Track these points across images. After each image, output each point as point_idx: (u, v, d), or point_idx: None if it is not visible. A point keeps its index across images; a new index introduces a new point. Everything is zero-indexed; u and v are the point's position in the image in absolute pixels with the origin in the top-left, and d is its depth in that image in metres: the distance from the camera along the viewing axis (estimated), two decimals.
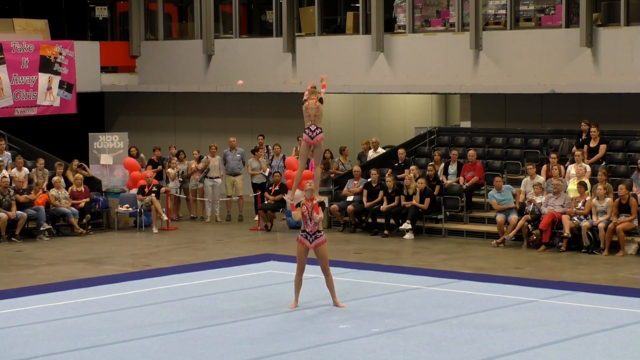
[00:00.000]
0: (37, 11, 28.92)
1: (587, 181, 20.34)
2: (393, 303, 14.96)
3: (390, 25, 25.47)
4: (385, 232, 21.85)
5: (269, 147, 25.02)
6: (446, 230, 21.86)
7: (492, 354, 12.02)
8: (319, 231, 14.40)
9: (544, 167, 21.50)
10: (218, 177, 24.86)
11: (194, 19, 28.79)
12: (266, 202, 23.31)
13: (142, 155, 25.31)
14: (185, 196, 25.27)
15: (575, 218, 19.71)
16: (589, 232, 19.47)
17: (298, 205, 14.69)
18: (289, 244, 20.90)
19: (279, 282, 16.60)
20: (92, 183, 23.92)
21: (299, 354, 12.13)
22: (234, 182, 24.68)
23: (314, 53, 26.51)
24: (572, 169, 20.80)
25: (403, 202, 21.82)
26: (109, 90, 29.55)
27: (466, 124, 25.98)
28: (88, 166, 24.63)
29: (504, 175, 22.36)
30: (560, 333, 13.01)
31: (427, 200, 21.54)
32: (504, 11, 23.87)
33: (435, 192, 21.90)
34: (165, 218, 23.31)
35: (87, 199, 23.00)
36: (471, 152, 22.49)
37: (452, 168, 22.65)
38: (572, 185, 20.36)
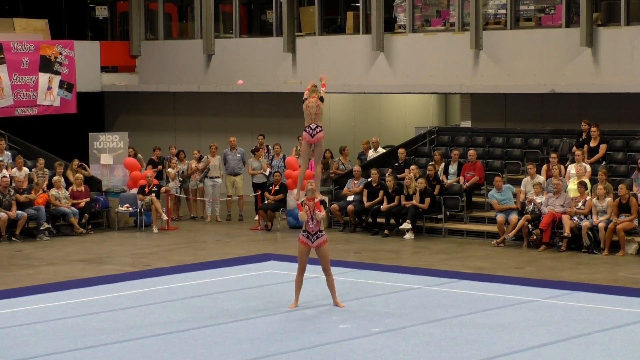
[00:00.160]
0: (37, 11, 28.93)
1: (587, 181, 20.34)
2: (393, 303, 14.95)
3: (390, 25, 25.48)
4: (386, 231, 21.85)
5: (269, 146, 25.01)
6: (446, 230, 21.86)
7: (492, 354, 12.02)
8: (320, 231, 14.41)
9: (544, 166, 21.50)
10: (218, 177, 24.86)
11: (194, 18, 28.79)
12: (266, 201, 23.31)
13: (139, 155, 25.29)
14: (185, 196, 25.27)
15: (575, 218, 19.71)
16: (589, 232, 19.47)
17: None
18: (289, 243, 20.91)
19: (279, 281, 16.60)
20: (92, 183, 23.92)
21: (299, 353, 12.13)
22: (234, 182, 24.68)
23: (314, 53, 26.52)
24: (572, 168, 20.80)
25: (403, 202, 21.82)
26: (109, 90, 29.56)
27: (466, 124, 25.99)
28: (88, 166, 24.63)
29: (504, 175, 22.36)
30: (561, 333, 13.01)
31: (427, 200, 21.54)
32: (504, 11, 23.87)
33: (436, 192, 21.90)
34: (166, 218, 23.31)
35: (87, 199, 23.00)
36: (471, 152, 22.49)
37: (453, 168, 22.65)
38: (572, 185, 20.36)
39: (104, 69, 29.32)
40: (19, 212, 21.73)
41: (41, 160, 23.49)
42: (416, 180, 21.76)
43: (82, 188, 23.07)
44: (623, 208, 19.40)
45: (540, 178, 21.04)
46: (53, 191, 22.57)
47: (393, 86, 25.45)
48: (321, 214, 14.39)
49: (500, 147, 23.57)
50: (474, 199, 22.36)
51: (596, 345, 12.39)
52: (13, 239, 21.71)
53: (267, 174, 24.23)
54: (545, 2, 23.55)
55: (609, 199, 19.56)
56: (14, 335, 13.17)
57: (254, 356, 12.03)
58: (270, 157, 24.78)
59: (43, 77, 26.07)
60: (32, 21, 27.68)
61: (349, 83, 25.77)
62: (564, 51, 22.93)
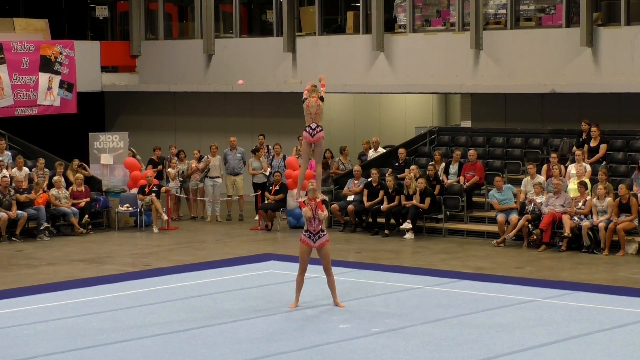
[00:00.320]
0: (37, 11, 28.94)
1: (587, 181, 20.34)
2: (393, 303, 14.95)
3: (390, 25, 25.47)
4: (386, 231, 21.85)
5: (269, 146, 25.01)
6: (446, 230, 21.85)
7: (492, 354, 12.02)
8: (322, 230, 14.41)
9: (545, 166, 21.50)
10: (218, 177, 24.86)
11: (194, 18, 28.79)
12: (266, 201, 23.31)
13: (138, 156, 25.27)
14: (185, 196, 25.27)
15: (575, 218, 19.71)
16: (590, 232, 19.47)
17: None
18: (289, 243, 20.91)
19: (280, 281, 16.60)
20: (93, 183, 23.92)
21: (299, 353, 12.13)
22: (235, 182, 24.68)
23: (314, 53, 26.52)
24: (572, 168, 20.80)
25: (403, 202, 21.82)
26: (109, 90, 29.56)
27: (466, 124, 25.98)
28: (88, 166, 24.63)
29: (504, 175, 22.36)
30: (561, 333, 13.01)
31: (428, 200, 21.54)
32: (504, 11, 23.87)
33: (436, 192, 21.90)
34: (166, 218, 23.31)
35: (88, 199, 23.00)
36: (471, 152, 22.49)
37: (454, 168, 22.64)
38: (572, 185, 20.36)
39: (104, 68, 29.33)
40: (19, 212, 21.73)
41: (41, 160, 23.49)
42: (416, 180, 21.76)
43: (82, 188, 23.07)
44: (623, 208, 19.40)
45: (541, 178, 21.04)
46: (53, 191, 22.57)
47: (393, 86, 25.45)
48: (323, 213, 14.41)
49: (500, 147, 23.57)
50: (474, 199, 22.36)
51: (596, 345, 12.39)
52: (13, 238, 21.71)
53: (267, 174, 24.23)
54: (545, 2, 23.55)
55: (609, 199, 19.56)
56: (14, 335, 13.17)
57: (254, 356, 12.03)
58: (271, 157, 24.78)
59: (43, 77, 26.07)
60: (32, 21, 27.69)
61: (349, 83, 25.77)
62: (564, 51, 22.92)
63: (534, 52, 23.35)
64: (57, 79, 26.31)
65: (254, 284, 16.55)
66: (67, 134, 28.56)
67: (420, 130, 25.79)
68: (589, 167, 20.89)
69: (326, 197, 21.75)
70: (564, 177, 20.82)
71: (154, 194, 23.20)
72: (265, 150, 24.88)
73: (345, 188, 23.11)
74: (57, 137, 28.52)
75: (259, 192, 24.08)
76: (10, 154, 23.78)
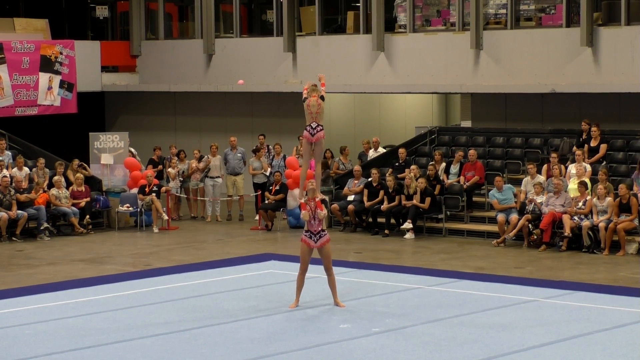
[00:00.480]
0: (37, 11, 28.94)
1: (587, 181, 20.34)
2: (394, 303, 14.95)
3: (390, 25, 25.47)
4: (386, 231, 21.85)
5: (270, 146, 25.01)
6: (447, 229, 21.85)
7: (492, 354, 12.02)
8: (322, 230, 14.41)
9: (545, 166, 21.50)
10: (219, 177, 24.86)
11: (195, 18, 28.79)
12: (267, 201, 23.31)
13: (137, 157, 25.26)
14: (185, 196, 25.27)
15: (575, 217, 19.70)
16: (590, 232, 19.47)
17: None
18: (289, 243, 20.91)
19: (280, 281, 16.60)
20: (93, 183, 23.92)
21: (299, 353, 12.13)
22: (235, 182, 24.68)
23: (314, 53, 26.52)
24: (572, 168, 20.80)
25: (404, 202, 21.82)
26: (109, 90, 29.57)
27: (467, 124, 25.98)
28: (89, 166, 24.63)
29: (504, 175, 22.36)
30: (561, 332, 13.01)
31: (428, 200, 21.54)
32: (504, 11, 23.87)
33: (436, 192, 21.90)
34: (166, 217, 23.31)
35: (88, 199, 23.00)
36: (471, 152, 22.48)
37: (455, 168, 22.63)
38: (572, 185, 20.36)
39: (105, 68, 29.33)
40: (20, 211, 21.73)
41: (41, 160, 23.49)
42: (416, 180, 21.76)
43: (83, 188, 23.07)
44: (623, 208, 19.40)
45: (541, 178, 21.04)
46: (53, 191, 22.57)
47: (393, 86, 25.45)
48: (323, 212, 14.42)
49: (500, 147, 23.57)
50: (474, 198, 22.36)
51: (596, 345, 12.39)
52: (13, 238, 21.71)
53: (267, 174, 24.23)
54: (545, 2, 23.54)
55: (609, 199, 19.56)
56: (14, 335, 13.17)
57: (254, 356, 12.03)
58: (271, 157, 24.77)
59: (43, 77, 26.07)
60: (32, 21, 27.69)
61: (349, 83, 25.77)
62: (564, 51, 22.92)
63: (534, 52, 23.35)
64: (57, 79, 26.31)
65: (254, 283, 16.55)
66: (68, 134, 28.56)
67: (421, 130, 25.78)
68: (589, 167, 20.88)
69: (326, 197, 21.84)
70: (564, 177, 20.82)
71: (154, 194, 23.20)
72: (266, 150, 24.88)
73: (346, 188, 23.11)
74: (58, 137, 28.52)
75: (259, 192, 24.08)
76: (10, 153, 23.79)
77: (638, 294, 15.39)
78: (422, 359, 11.87)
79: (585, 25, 22.22)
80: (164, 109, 29.93)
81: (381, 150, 24.76)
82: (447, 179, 22.55)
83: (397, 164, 23.36)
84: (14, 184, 22.15)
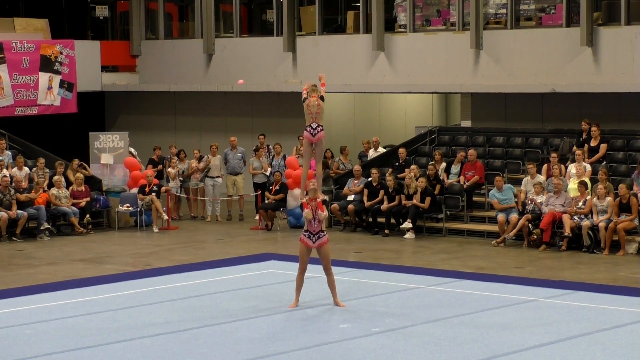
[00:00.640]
0: (37, 10, 28.94)
1: (587, 180, 20.34)
2: (394, 302, 14.95)
3: (390, 25, 25.47)
4: (386, 231, 21.85)
5: (270, 146, 25.00)
6: (447, 229, 21.85)
7: (492, 354, 12.02)
8: (322, 230, 14.41)
9: (545, 166, 21.50)
10: (219, 177, 24.86)
11: (195, 18, 28.79)
12: (267, 201, 23.31)
13: (138, 158, 25.26)
14: (185, 195, 25.27)
15: (575, 217, 19.70)
16: (590, 232, 19.47)
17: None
18: (289, 243, 20.91)
19: (280, 281, 16.60)
20: (93, 182, 23.92)
21: (299, 353, 12.13)
22: (235, 182, 24.68)
23: (314, 52, 26.51)
24: (572, 168, 20.80)
25: (404, 202, 21.82)
26: (109, 90, 29.57)
27: (467, 124, 25.98)
28: (88, 165, 24.63)
29: (504, 175, 22.35)
30: (561, 332, 13.01)
31: (428, 200, 21.54)
32: (504, 10, 23.87)
33: (436, 192, 21.90)
34: (166, 217, 23.31)
35: (88, 199, 23.00)
36: (471, 152, 22.48)
37: (456, 168, 22.62)
38: (572, 185, 20.36)
39: (105, 68, 29.33)
40: (20, 211, 21.73)
41: (41, 160, 23.49)
42: (417, 179, 21.76)
43: (83, 188, 23.07)
44: (623, 208, 19.40)
45: (541, 178, 21.04)
46: (53, 190, 22.57)
47: (393, 86, 25.45)
48: (324, 213, 14.42)
49: (500, 146, 23.56)
50: (474, 198, 22.36)
51: (596, 345, 12.39)
52: (13, 238, 21.71)
53: (267, 173, 24.23)
54: (545, 2, 23.54)
55: (609, 199, 19.56)
56: (14, 335, 13.17)
57: (254, 356, 12.03)
58: (271, 156, 24.77)
59: (43, 77, 26.08)
60: (32, 21, 27.69)
61: (349, 83, 25.77)
62: (564, 51, 22.92)
63: (534, 52, 23.34)
64: (57, 79, 26.32)
65: (254, 283, 16.55)
66: (68, 134, 28.56)
67: (421, 130, 25.78)
68: (589, 167, 20.88)
69: (326, 197, 21.83)
70: (564, 176, 20.82)
71: (154, 194, 23.20)
72: (266, 150, 24.88)
73: (346, 188, 23.11)
74: (58, 136, 28.52)
75: (259, 192, 24.08)
76: (10, 153, 23.79)
77: (638, 294, 15.39)
78: (422, 358, 11.87)
79: (585, 25, 22.22)
80: (164, 109, 29.93)
81: (381, 150, 24.76)
82: (448, 178, 22.55)
83: (397, 163, 23.36)
84: (14, 184, 22.15)
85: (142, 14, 29.59)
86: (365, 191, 22.49)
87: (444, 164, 22.87)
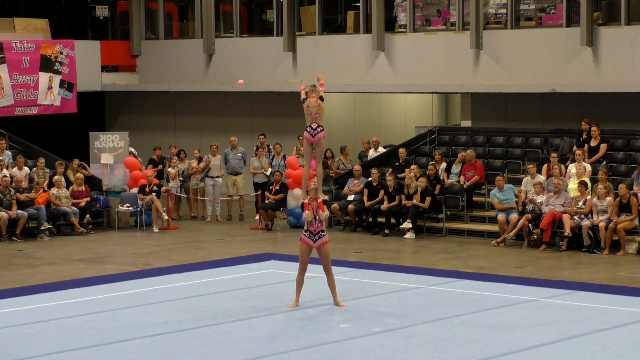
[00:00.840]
0: (37, 10, 28.94)
1: (587, 180, 20.34)
2: (394, 302, 14.95)
3: (390, 25, 25.47)
4: (386, 231, 21.85)
5: (270, 146, 25.00)
6: (447, 229, 21.85)
7: (492, 353, 12.02)
8: (322, 230, 14.41)
9: (545, 166, 21.50)
10: (219, 177, 24.85)
11: (195, 18, 28.79)
12: (267, 201, 23.31)
13: (139, 158, 25.25)
14: (185, 195, 25.27)
15: (575, 217, 19.70)
16: (590, 232, 19.47)
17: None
18: (289, 243, 20.91)
19: (280, 281, 16.60)
20: (93, 182, 23.92)
21: (299, 353, 12.13)
22: (235, 182, 24.68)
23: (314, 52, 26.51)
24: (572, 168, 20.80)
25: (404, 202, 21.82)
26: (109, 90, 29.57)
27: (467, 123, 25.98)
28: (89, 165, 24.63)
29: (504, 175, 22.35)
30: (561, 332, 13.01)
31: (428, 200, 21.54)
32: (504, 10, 23.87)
33: (436, 192, 21.90)
34: (166, 217, 23.31)
35: (88, 199, 23.00)
36: (469, 152, 22.46)
37: (457, 168, 22.61)
38: (572, 185, 20.36)
39: (105, 68, 29.33)
40: (20, 211, 21.73)
41: (42, 160, 23.48)
42: (417, 179, 21.76)
43: (83, 188, 23.07)
44: (623, 207, 19.40)
45: (541, 177, 21.04)
46: (54, 190, 22.57)
47: (393, 86, 25.45)
48: (324, 213, 14.42)
49: (500, 146, 23.56)
50: (474, 198, 22.36)
51: (597, 345, 12.39)
52: (14, 238, 21.71)
53: (267, 173, 24.23)
54: (545, 2, 23.54)
55: (609, 199, 19.56)
56: (14, 335, 13.17)
57: (254, 356, 12.03)
58: (271, 156, 24.77)
59: (43, 77, 26.08)
60: (32, 21, 27.69)
61: (349, 82, 25.76)
62: (564, 51, 22.92)
63: (535, 52, 23.34)
64: (57, 79, 26.32)
65: (254, 283, 16.55)
66: (68, 134, 28.56)
67: (421, 129, 25.78)
68: (589, 167, 20.88)
69: (327, 197, 21.82)
70: (564, 176, 20.82)
71: (154, 194, 23.20)
72: (266, 150, 24.87)
73: (346, 187, 23.11)
74: (58, 136, 28.51)
75: (260, 192, 24.07)
76: (10, 153, 23.79)
77: (638, 294, 15.39)
78: (422, 358, 11.87)
79: (586, 25, 22.21)
80: (164, 109, 29.93)
81: (381, 150, 24.76)
82: (448, 178, 22.55)
83: (397, 163, 23.36)
84: (14, 184, 22.15)
85: (142, 13, 29.59)
86: (366, 191, 22.49)
87: (444, 164, 22.87)
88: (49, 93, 26.23)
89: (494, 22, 24.11)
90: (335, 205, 22.71)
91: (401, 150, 23.56)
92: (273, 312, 14.34)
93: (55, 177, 22.88)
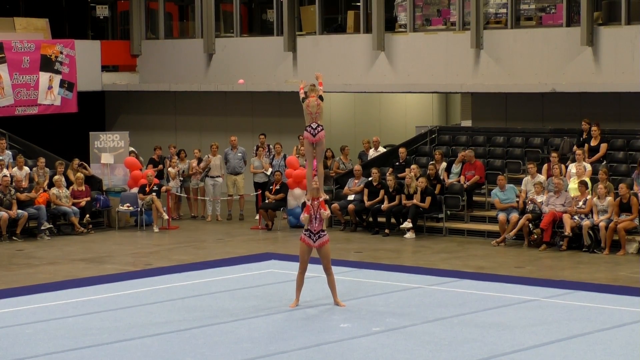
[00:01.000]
0: (37, 10, 28.94)
1: (588, 180, 20.34)
2: (394, 302, 14.95)
3: (391, 24, 25.47)
4: (386, 231, 21.84)
5: (270, 146, 25.00)
6: (447, 229, 21.85)
7: (493, 353, 12.02)
8: (322, 230, 14.41)
9: (545, 166, 21.50)
10: (219, 176, 24.85)
11: (195, 17, 28.79)
12: (267, 201, 23.31)
13: (141, 158, 25.27)
14: (186, 195, 25.27)
15: (576, 217, 19.70)
16: (590, 231, 19.46)
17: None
18: (289, 243, 20.91)
19: (280, 281, 16.60)
20: (93, 182, 23.92)
21: (299, 353, 12.13)
22: (235, 181, 24.68)
23: (314, 52, 26.51)
24: (572, 168, 20.80)
25: (404, 201, 21.82)
26: (109, 89, 29.57)
27: (467, 123, 25.98)
28: (89, 165, 24.64)
29: (504, 174, 22.34)
30: (561, 332, 13.01)
31: (428, 199, 21.54)
32: (504, 10, 23.87)
33: (436, 191, 21.90)
34: (166, 217, 23.31)
35: (88, 198, 23.00)
36: (468, 151, 22.44)
37: (457, 167, 22.61)
38: (572, 184, 20.35)
39: (105, 68, 29.33)
40: (20, 211, 21.73)
41: (42, 160, 23.48)
42: (417, 179, 21.76)
43: (83, 187, 23.07)
44: (624, 207, 19.40)
45: (541, 177, 21.04)
46: (54, 190, 22.57)
47: (394, 85, 25.45)
48: (326, 212, 14.43)
49: (501, 146, 23.56)
50: (474, 198, 22.36)
51: (597, 345, 12.39)
52: (14, 238, 21.71)
53: (268, 173, 24.23)
54: (546, 2, 23.54)
55: (609, 198, 19.55)
56: (14, 335, 13.17)
57: (254, 355, 12.03)
58: (271, 156, 24.77)
59: (44, 77, 26.08)
60: (32, 20, 27.69)
61: (349, 82, 25.77)
62: (564, 50, 22.92)
63: (535, 52, 23.34)
64: (57, 79, 26.32)
65: (255, 283, 16.55)
66: (68, 134, 28.56)
67: (421, 129, 25.77)
68: (589, 167, 20.88)
69: (327, 197, 21.81)
70: (565, 176, 20.81)
71: (154, 194, 23.20)
72: (266, 150, 24.87)
73: (346, 187, 23.11)
74: (58, 136, 28.52)
75: (260, 192, 24.08)
76: (10, 153, 23.79)
77: (638, 294, 15.39)
78: (422, 358, 11.87)
79: (586, 24, 22.21)
80: (164, 109, 29.93)
81: (381, 149, 24.76)
82: (448, 178, 22.55)
83: (397, 163, 23.36)
84: (14, 184, 22.15)
85: (142, 13, 29.59)
86: (366, 191, 22.49)
87: (444, 164, 22.86)
88: (49, 93, 26.23)
89: (494, 22, 24.11)
90: (335, 205, 22.70)
91: (401, 150, 23.56)
92: (273, 312, 14.34)
93: (56, 177, 22.88)
